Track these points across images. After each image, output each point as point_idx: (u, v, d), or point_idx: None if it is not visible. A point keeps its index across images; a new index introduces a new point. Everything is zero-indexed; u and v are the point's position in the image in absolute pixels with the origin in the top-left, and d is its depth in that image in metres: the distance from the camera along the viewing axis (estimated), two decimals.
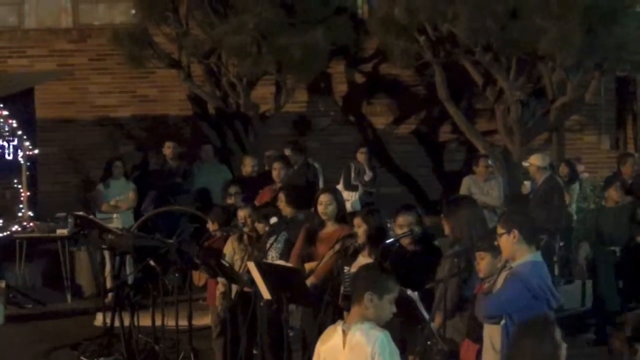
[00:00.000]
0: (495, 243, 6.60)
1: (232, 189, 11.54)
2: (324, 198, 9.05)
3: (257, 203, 10.73)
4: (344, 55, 16.58)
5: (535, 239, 6.65)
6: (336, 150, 16.01)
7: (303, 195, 9.51)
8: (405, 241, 7.98)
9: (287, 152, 13.57)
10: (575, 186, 14.35)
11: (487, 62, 14.34)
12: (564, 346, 5.38)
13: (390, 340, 5.45)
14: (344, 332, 5.51)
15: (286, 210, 9.67)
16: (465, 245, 7.33)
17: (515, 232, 6.44)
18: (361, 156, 14.40)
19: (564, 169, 14.25)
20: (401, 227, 8.02)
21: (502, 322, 6.48)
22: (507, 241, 6.48)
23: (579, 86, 14.24)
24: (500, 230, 6.53)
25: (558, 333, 5.37)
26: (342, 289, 8.12)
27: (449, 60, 14.79)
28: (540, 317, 5.63)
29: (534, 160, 12.66)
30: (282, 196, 9.80)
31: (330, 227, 9.00)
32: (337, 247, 8.30)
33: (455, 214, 7.60)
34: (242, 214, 9.51)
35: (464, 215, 7.55)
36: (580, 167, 15.45)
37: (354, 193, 13.99)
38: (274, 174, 12.18)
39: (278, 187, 11.92)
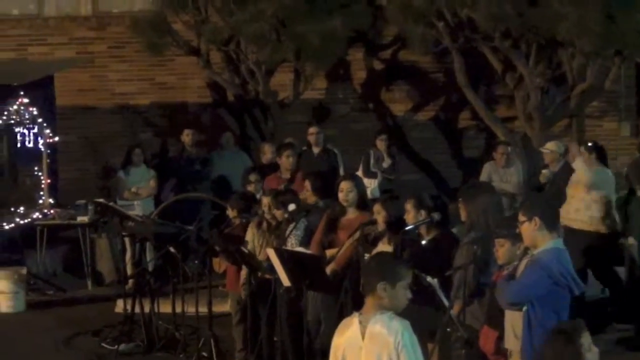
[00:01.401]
0: (517, 230, 6.59)
1: (252, 177, 11.55)
2: (344, 185, 9.05)
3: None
4: (363, 42, 16.54)
5: (557, 226, 6.62)
6: (355, 137, 15.98)
7: (328, 184, 9.45)
8: (423, 229, 7.99)
9: (313, 129, 13.56)
10: None
11: (507, 49, 14.29)
12: (595, 350, 5.38)
13: (411, 330, 5.43)
14: (361, 323, 5.48)
15: (311, 199, 9.63)
16: (481, 232, 7.33)
17: (537, 219, 6.42)
18: (381, 143, 14.37)
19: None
20: (406, 213, 8.05)
21: (524, 308, 6.47)
22: (529, 228, 6.46)
23: (599, 73, 14.18)
24: (521, 217, 6.51)
25: (587, 338, 5.36)
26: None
27: (468, 47, 14.74)
28: (568, 324, 5.61)
29: (553, 147, 12.61)
30: (307, 184, 9.75)
31: (351, 214, 9.00)
32: (358, 234, 8.32)
33: (473, 199, 7.58)
34: (265, 201, 9.53)
35: (481, 201, 7.54)
36: None
37: (373, 180, 13.96)
38: (288, 161, 12.18)
39: (284, 174, 11.96)
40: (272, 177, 12.23)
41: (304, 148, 13.70)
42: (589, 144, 12.10)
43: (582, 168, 11.79)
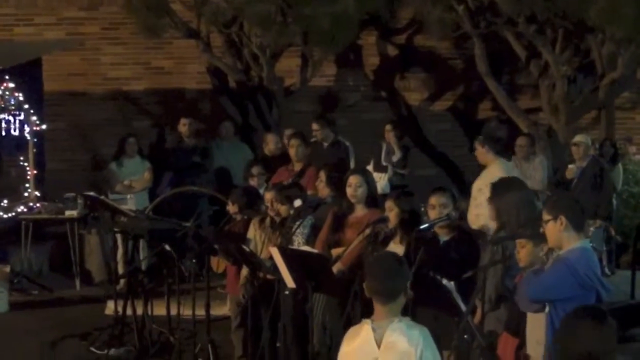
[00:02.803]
0: (541, 230, 6.55)
1: (255, 169, 11.54)
2: (353, 180, 9.03)
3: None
4: (376, 25, 16.54)
5: (584, 226, 6.59)
6: (366, 128, 15.96)
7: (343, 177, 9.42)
8: (440, 228, 7.96)
9: (315, 126, 13.53)
10: (619, 168, 14.31)
11: (531, 34, 14.28)
12: None
13: (431, 339, 5.49)
14: (375, 331, 5.49)
15: (324, 191, 9.62)
16: (511, 232, 7.31)
17: (563, 218, 6.39)
18: (388, 134, 14.30)
19: (607, 150, 14.21)
20: (433, 209, 8.01)
21: (547, 310, 6.44)
22: (554, 228, 6.43)
23: (630, 61, 14.15)
24: (546, 216, 6.48)
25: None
26: None
27: (490, 32, 14.74)
28: (592, 305, 5.58)
29: (584, 139, 12.60)
30: (322, 175, 9.74)
31: (359, 211, 8.99)
32: (367, 231, 8.30)
33: (502, 197, 7.56)
34: (268, 196, 9.52)
35: (511, 198, 7.52)
36: (631, 149, 15.40)
37: (383, 175, 13.93)
38: (292, 152, 12.15)
39: (296, 166, 11.93)
40: (283, 169, 12.17)
41: (313, 139, 13.68)
42: (480, 137, 11.51)
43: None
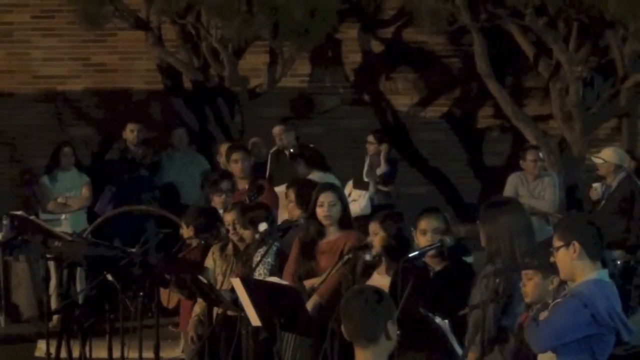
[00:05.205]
0: (552, 259, 6.57)
1: (225, 184, 11.50)
2: (325, 197, 9.00)
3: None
4: (358, 16, 16.59)
5: (601, 254, 6.61)
6: (345, 137, 16.02)
7: None
8: (431, 257, 7.98)
9: (277, 129, 13.52)
10: None
11: (541, 28, 14.35)
12: None
13: None
14: None
15: (294, 212, 9.64)
16: (505, 262, 7.34)
17: (577, 245, 6.41)
18: (371, 147, 14.26)
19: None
20: (424, 234, 8.02)
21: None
22: (566, 256, 6.44)
23: None
24: (557, 242, 6.49)
25: None
26: None
27: (492, 25, 14.80)
28: None
29: (609, 156, 12.62)
30: (291, 194, 9.76)
31: (332, 235, 8.98)
32: (345, 258, 8.32)
33: (495, 220, 7.59)
34: (228, 217, 9.52)
35: (505, 222, 7.54)
36: None
37: (363, 192, 13.86)
38: (236, 168, 12.08)
39: (240, 184, 11.92)
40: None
41: (275, 148, 13.69)
42: (291, 150, 11.79)
43: None
